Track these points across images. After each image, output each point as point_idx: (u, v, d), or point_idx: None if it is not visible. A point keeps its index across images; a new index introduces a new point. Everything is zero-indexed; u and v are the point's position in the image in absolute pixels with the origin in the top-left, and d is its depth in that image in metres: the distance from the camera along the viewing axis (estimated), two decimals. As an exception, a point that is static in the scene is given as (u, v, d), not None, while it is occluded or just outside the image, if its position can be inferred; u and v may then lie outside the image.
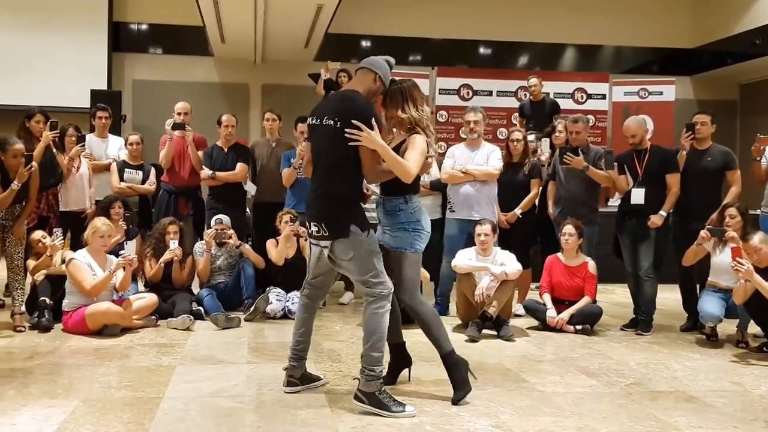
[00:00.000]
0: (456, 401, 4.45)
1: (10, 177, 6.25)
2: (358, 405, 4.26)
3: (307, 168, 4.67)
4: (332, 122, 4.32)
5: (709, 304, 6.31)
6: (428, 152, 4.49)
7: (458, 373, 4.52)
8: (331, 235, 4.34)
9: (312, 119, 4.54)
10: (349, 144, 4.25)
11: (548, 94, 10.99)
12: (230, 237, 7.47)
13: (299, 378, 4.68)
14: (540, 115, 10.25)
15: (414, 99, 4.52)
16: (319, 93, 10.70)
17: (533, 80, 10.47)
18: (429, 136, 4.53)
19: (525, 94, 12.27)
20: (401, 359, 4.86)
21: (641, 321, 6.88)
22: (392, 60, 4.63)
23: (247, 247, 7.67)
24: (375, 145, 4.24)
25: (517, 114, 11.14)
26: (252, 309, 6.89)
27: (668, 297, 7.64)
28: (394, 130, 4.60)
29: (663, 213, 6.78)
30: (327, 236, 4.35)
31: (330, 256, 4.41)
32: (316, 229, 4.38)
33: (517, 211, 7.48)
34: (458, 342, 6.11)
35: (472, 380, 4.57)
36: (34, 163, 6.36)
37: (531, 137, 8.46)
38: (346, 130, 4.25)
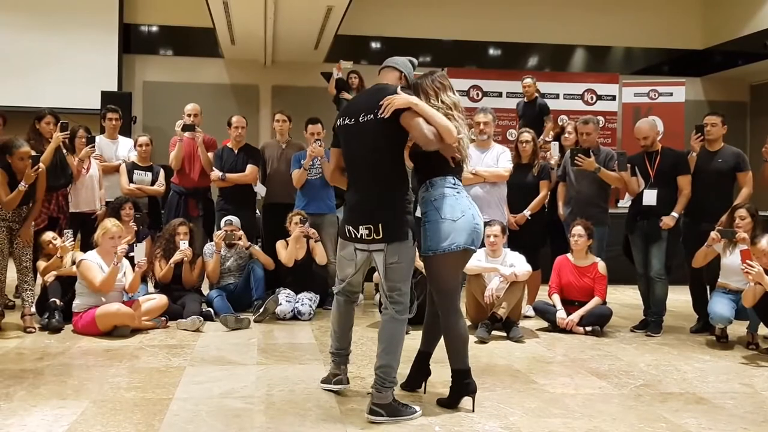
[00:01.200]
0: (440, 402, 4.41)
1: (18, 179, 6.28)
2: (375, 419, 4.13)
3: (335, 175, 4.56)
4: (372, 116, 4.20)
5: (720, 306, 6.28)
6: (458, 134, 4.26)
7: (457, 393, 4.41)
8: (386, 238, 4.18)
9: (344, 119, 4.39)
10: (386, 118, 4.10)
11: (542, 95, 10.97)
12: (240, 238, 7.48)
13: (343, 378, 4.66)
14: (530, 115, 10.30)
15: (426, 92, 4.35)
16: (331, 92, 10.72)
17: (527, 80, 10.51)
18: (456, 123, 4.29)
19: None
20: (422, 368, 4.72)
21: (651, 322, 6.86)
22: (415, 60, 4.57)
23: (256, 249, 7.69)
24: (407, 102, 4.08)
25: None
26: (261, 310, 6.90)
27: (678, 298, 7.62)
28: None
29: (675, 214, 6.76)
30: (381, 239, 4.19)
31: (382, 259, 4.22)
32: (367, 232, 4.21)
33: (526, 212, 7.48)
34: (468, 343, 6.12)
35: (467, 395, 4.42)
36: (41, 164, 6.38)
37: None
38: (378, 111, 4.14)
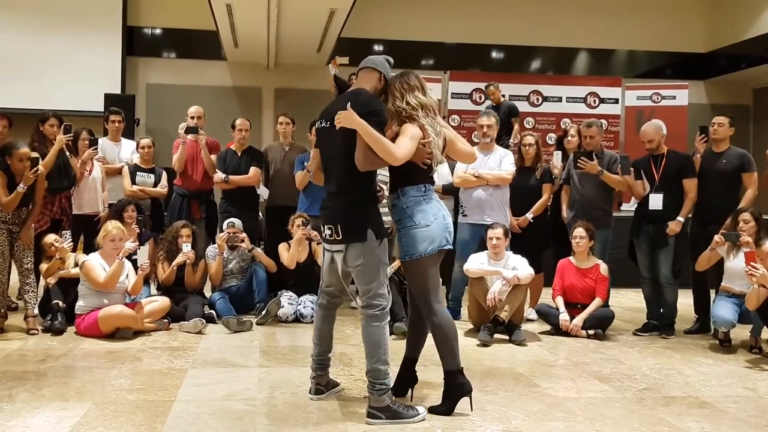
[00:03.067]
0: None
1: (17, 181, 6.29)
2: (375, 422, 4.14)
3: (317, 175, 4.58)
4: None
5: (723, 309, 6.27)
6: (425, 138, 4.25)
7: (453, 396, 4.35)
8: (345, 239, 4.22)
9: (321, 122, 4.45)
10: (336, 130, 4.15)
11: (505, 97, 11.05)
12: (242, 240, 7.48)
13: (324, 385, 4.64)
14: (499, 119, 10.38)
15: (393, 94, 4.38)
16: (333, 92, 10.72)
17: (491, 88, 10.67)
18: (424, 123, 4.29)
19: (538, 98, 12.30)
20: (408, 375, 4.67)
21: (665, 324, 6.88)
22: (391, 59, 4.57)
23: (259, 251, 7.69)
24: (352, 123, 4.07)
25: (530, 118, 11.16)
26: (264, 312, 6.90)
27: (682, 302, 7.58)
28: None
29: (681, 219, 6.76)
30: (340, 240, 4.23)
31: (341, 261, 4.29)
32: (330, 233, 4.27)
33: (529, 215, 7.48)
34: (470, 346, 6.12)
35: (465, 400, 4.37)
36: (40, 167, 6.39)
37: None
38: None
